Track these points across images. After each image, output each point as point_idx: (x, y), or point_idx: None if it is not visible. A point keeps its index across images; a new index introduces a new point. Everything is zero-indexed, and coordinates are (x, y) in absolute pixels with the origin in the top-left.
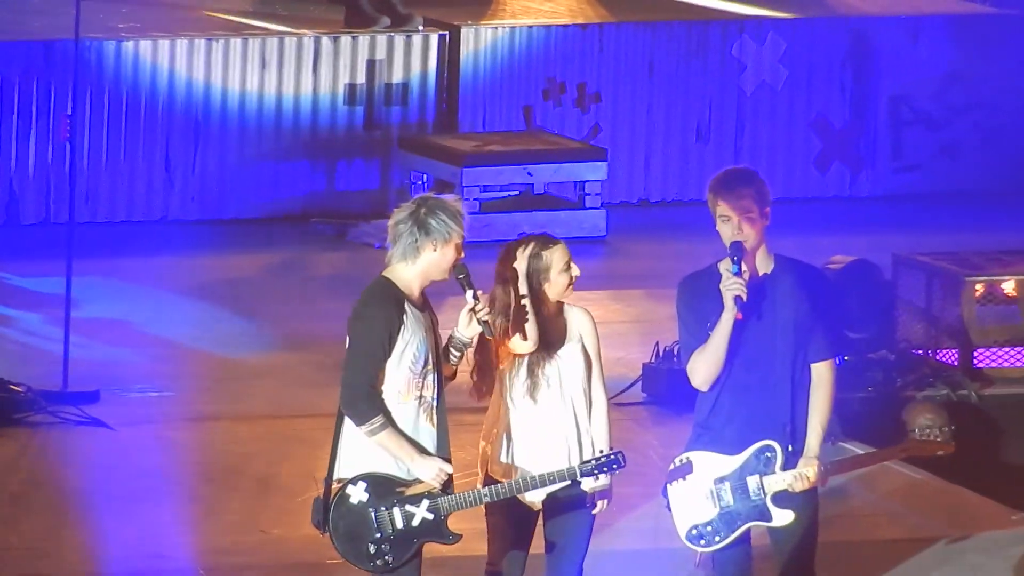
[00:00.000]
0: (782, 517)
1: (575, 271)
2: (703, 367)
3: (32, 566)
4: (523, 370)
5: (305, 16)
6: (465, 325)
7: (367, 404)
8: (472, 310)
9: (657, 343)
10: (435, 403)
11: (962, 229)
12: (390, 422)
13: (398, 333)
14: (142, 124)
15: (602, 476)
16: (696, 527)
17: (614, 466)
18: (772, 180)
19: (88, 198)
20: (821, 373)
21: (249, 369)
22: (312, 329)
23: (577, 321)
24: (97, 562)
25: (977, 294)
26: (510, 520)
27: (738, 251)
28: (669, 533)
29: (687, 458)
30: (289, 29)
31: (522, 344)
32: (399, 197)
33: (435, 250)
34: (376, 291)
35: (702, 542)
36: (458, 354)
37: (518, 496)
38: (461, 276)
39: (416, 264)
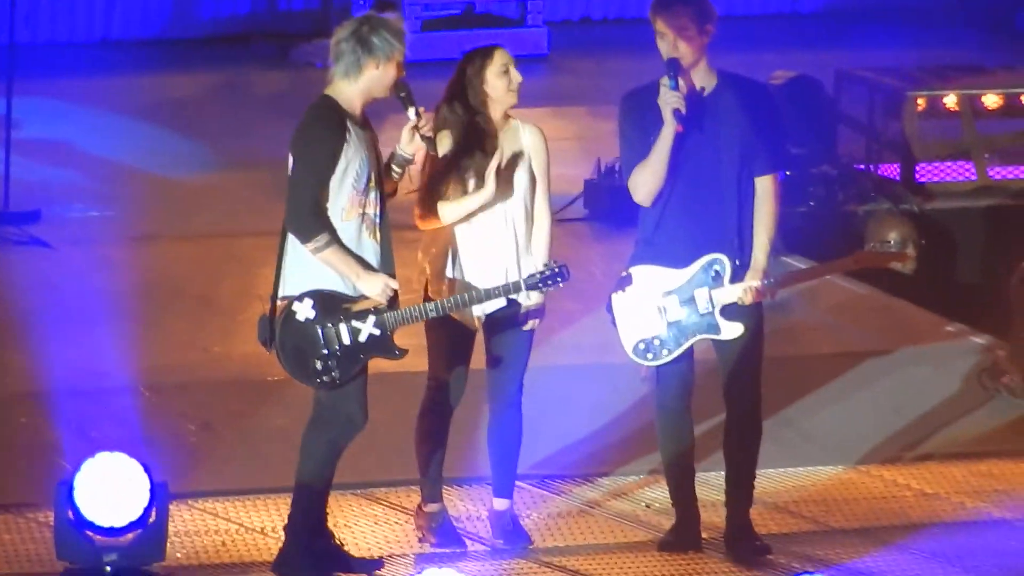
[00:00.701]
0: (731, 330)
1: (515, 75)
2: (645, 181)
3: None
4: (463, 187)
5: None
6: (407, 142)
7: (312, 221)
8: (415, 127)
9: (599, 159)
10: (378, 220)
11: (905, 45)
12: (335, 239)
13: (341, 151)
14: None
15: (535, 293)
16: (644, 341)
17: (558, 279)
18: None
19: (28, 19)
20: (766, 187)
21: (190, 189)
22: (253, 149)
23: (526, 138)
24: (38, 381)
25: (919, 108)
26: (450, 335)
27: (674, 67)
28: (611, 348)
29: (632, 272)
30: None
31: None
32: (341, 16)
33: (377, 68)
34: (319, 110)
35: (649, 355)
36: (400, 171)
37: (459, 312)
38: (403, 94)
39: (358, 82)
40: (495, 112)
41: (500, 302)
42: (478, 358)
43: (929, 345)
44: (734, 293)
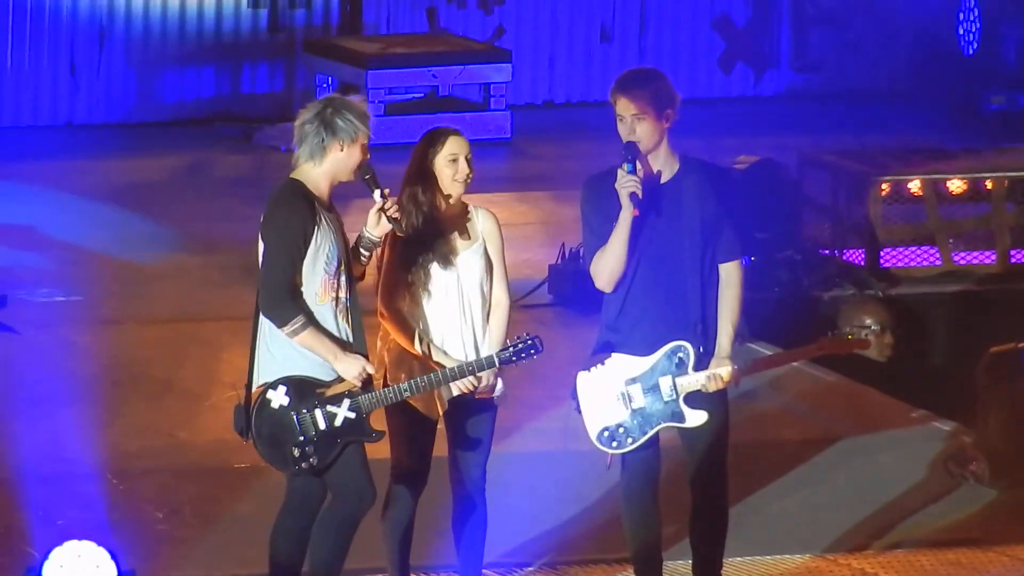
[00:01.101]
0: (695, 418)
1: (463, 167)
2: (605, 266)
3: None
4: (425, 272)
5: None
6: (374, 224)
7: (288, 305)
8: (381, 209)
9: (563, 244)
10: (349, 304)
11: (866, 128)
12: (312, 321)
13: (312, 234)
14: (46, 27)
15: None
16: (608, 429)
17: (532, 351)
18: (676, 81)
19: None
20: (729, 273)
21: (154, 272)
22: (217, 232)
23: (480, 222)
24: (3, 468)
25: (883, 193)
26: (412, 422)
27: (632, 151)
28: (577, 435)
29: (595, 359)
30: None
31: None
32: (304, 100)
33: (342, 150)
34: (287, 193)
35: (614, 444)
36: (367, 254)
37: (422, 398)
38: (367, 176)
39: (323, 164)
40: (448, 197)
41: (463, 385)
42: (440, 445)
43: (895, 432)
44: (698, 381)
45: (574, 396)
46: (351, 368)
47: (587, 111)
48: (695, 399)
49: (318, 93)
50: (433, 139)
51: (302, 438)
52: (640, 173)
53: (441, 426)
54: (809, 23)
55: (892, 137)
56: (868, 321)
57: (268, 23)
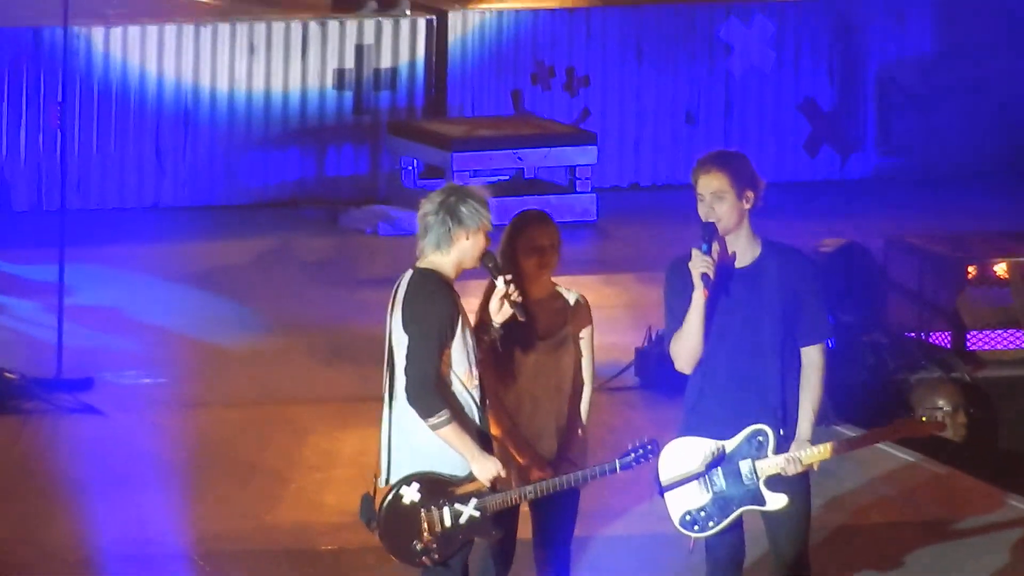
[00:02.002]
0: (776, 501)
1: (547, 256)
2: (682, 348)
3: (22, 554)
4: (517, 357)
5: (293, 1)
6: (497, 311)
7: (435, 396)
8: (505, 295)
9: (649, 327)
10: (481, 393)
11: (953, 211)
12: (455, 416)
13: (457, 322)
14: (132, 110)
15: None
16: (689, 512)
17: (650, 456)
18: (761, 163)
19: (79, 185)
20: (812, 357)
21: (239, 355)
22: (302, 315)
23: (571, 305)
24: (88, 549)
25: (969, 276)
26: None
27: (709, 231)
28: (663, 517)
29: (677, 443)
30: (277, 14)
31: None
32: (389, 183)
33: (467, 238)
34: (426, 283)
35: (696, 527)
36: (495, 339)
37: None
38: (491, 264)
39: (450, 253)
40: (537, 283)
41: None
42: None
43: (981, 515)
44: (777, 464)
45: (656, 480)
46: (488, 470)
47: (672, 194)
48: (775, 482)
49: (403, 176)
50: (517, 226)
51: (426, 535)
52: (715, 254)
53: (525, 508)
54: (895, 107)
55: (978, 221)
56: (941, 403)
57: (353, 105)
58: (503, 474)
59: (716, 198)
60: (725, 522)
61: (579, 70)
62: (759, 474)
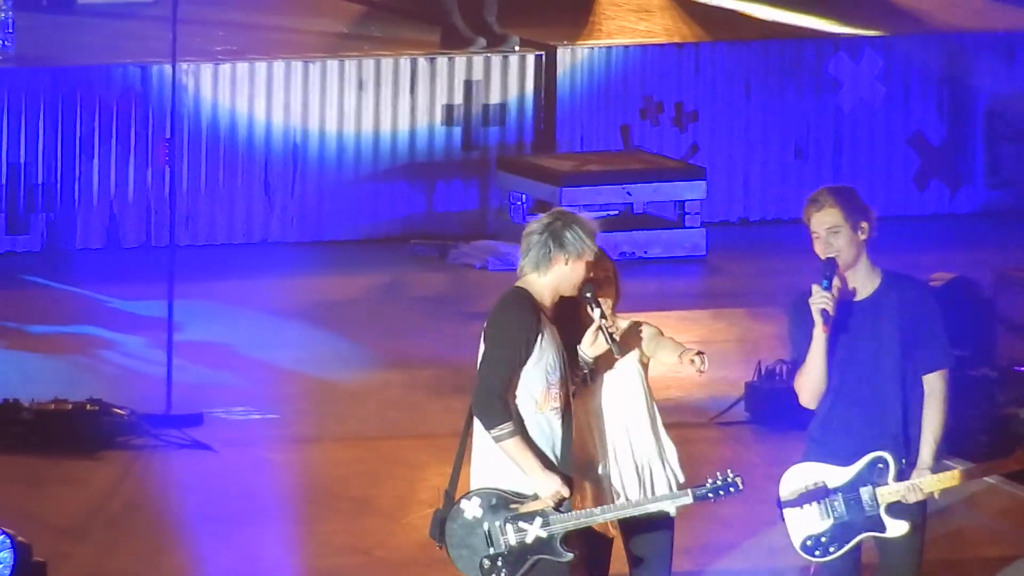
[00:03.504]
0: (896, 528)
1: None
2: (805, 384)
3: None
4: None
5: (401, 38)
6: (590, 344)
7: (499, 408)
8: (599, 327)
9: (759, 362)
10: (563, 419)
11: None
12: (520, 431)
13: (536, 339)
14: (240, 146)
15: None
16: (811, 538)
17: (731, 489)
18: (871, 197)
19: (188, 221)
20: (933, 385)
21: (350, 390)
22: (412, 350)
23: (627, 335)
24: None
25: None
26: (588, 540)
27: (830, 268)
28: (779, 551)
29: (800, 468)
30: (385, 51)
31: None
32: (498, 218)
33: (566, 263)
34: (513, 298)
35: (817, 552)
36: (585, 373)
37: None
38: (588, 295)
39: (547, 276)
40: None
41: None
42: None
43: None
44: (898, 491)
45: (779, 505)
46: (547, 486)
47: (782, 228)
48: (896, 509)
49: (511, 211)
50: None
51: (492, 551)
52: (835, 290)
53: (620, 543)
54: (1003, 140)
55: None
56: None
57: (462, 140)
58: (565, 493)
59: (832, 233)
60: (846, 548)
61: (687, 105)
62: (880, 501)
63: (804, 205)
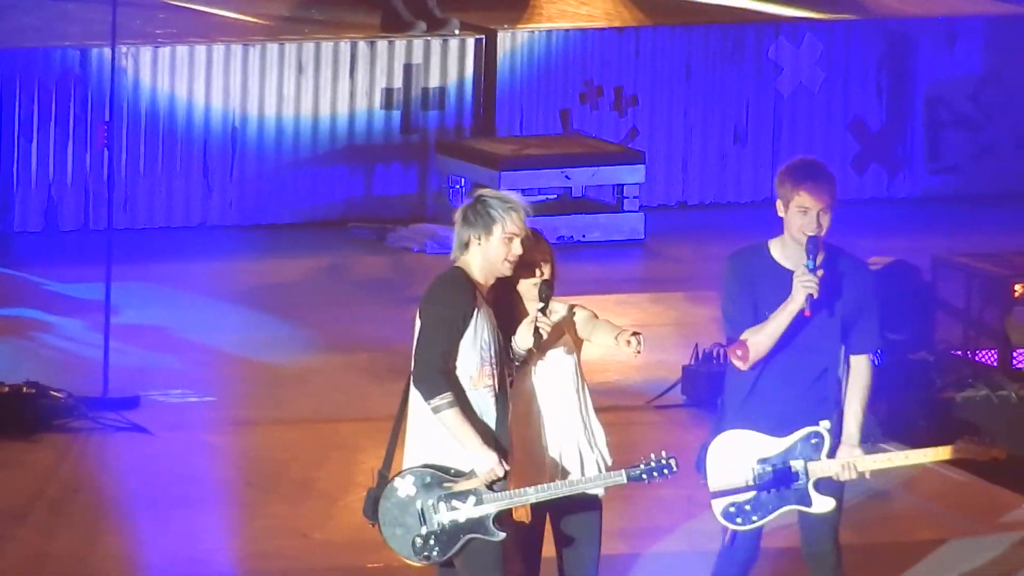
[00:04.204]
0: (822, 504)
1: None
2: (753, 349)
3: (71, 573)
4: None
5: (342, 21)
6: (522, 336)
7: (439, 380)
8: (534, 322)
9: (696, 345)
10: (499, 398)
11: (1000, 230)
12: (459, 403)
13: (471, 316)
14: (179, 130)
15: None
16: (735, 505)
17: (665, 471)
18: None
19: (126, 204)
20: (859, 365)
21: (289, 374)
22: (352, 333)
23: (564, 317)
24: (136, 569)
25: (1017, 295)
26: (518, 535)
27: (815, 246)
28: (708, 534)
29: (728, 435)
30: (326, 34)
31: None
32: (437, 201)
33: (479, 243)
34: (449, 275)
35: (739, 520)
36: (517, 363)
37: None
38: (544, 293)
39: (468, 257)
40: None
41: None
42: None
43: None
44: (831, 468)
45: (700, 469)
46: (484, 462)
47: (720, 212)
48: (823, 485)
49: (451, 195)
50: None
51: (425, 529)
52: (819, 272)
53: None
54: (943, 126)
55: None
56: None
57: (401, 124)
58: (500, 472)
59: (824, 212)
60: (768, 518)
61: (627, 89)
62: (810, 475)
63: (791, 175)
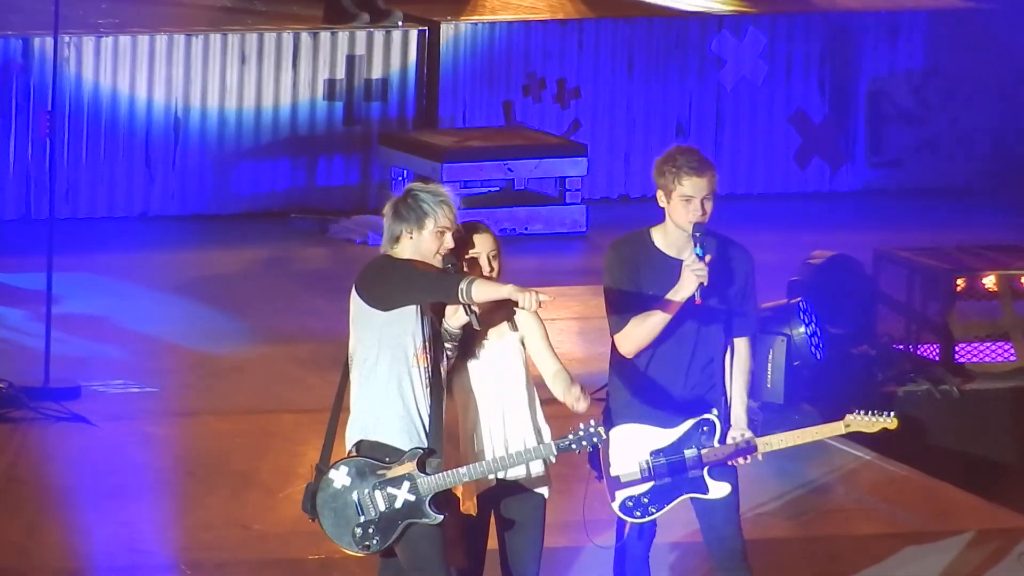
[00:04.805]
0: (719, 489)
1: (483, 263)
2: (638, 336)
3: (11, 563)
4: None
5: (284, 12)
6: (451, 314)
7: (447, 277)
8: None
9: None
10: (432, 380)
11: (942, 224)
12: (474, 278)
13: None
14: (122, 120)
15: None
16: (632, 498)
17: (594, 439)
18: (752, 175)
19: (68, 194)
20: (741, 348)
21: (230, 364)
22: (293, 325)
23: (518, 315)
24: (78, 559)
25: (958, 289)
26: (460, 519)
27: (703, 232)
28: (661, 526)
29: (618, 430)
30: (269, 25)
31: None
32: (379, 193)
33: (411, 237)
34: (383, 258)
35: (637, 513)
36: (450, 347)
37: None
38: (449, 265)
39: (398, 250)
40: None
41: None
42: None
43: (970, 526)
44: (724, 453)
45: (595, 467)
46: (526, 299)
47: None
48: (717, 471)
49: (393, 186)
50: (465, 233)
51: (363, 519)
52: (707, 259)
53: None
54: (886, 120)
55: (967, 234)
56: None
57: (344, 115)
58: (542, 296)
59: (707, 199)
60: (665, 508)
61: (570, 82)
62: (704, 462)
63: (673, 164)
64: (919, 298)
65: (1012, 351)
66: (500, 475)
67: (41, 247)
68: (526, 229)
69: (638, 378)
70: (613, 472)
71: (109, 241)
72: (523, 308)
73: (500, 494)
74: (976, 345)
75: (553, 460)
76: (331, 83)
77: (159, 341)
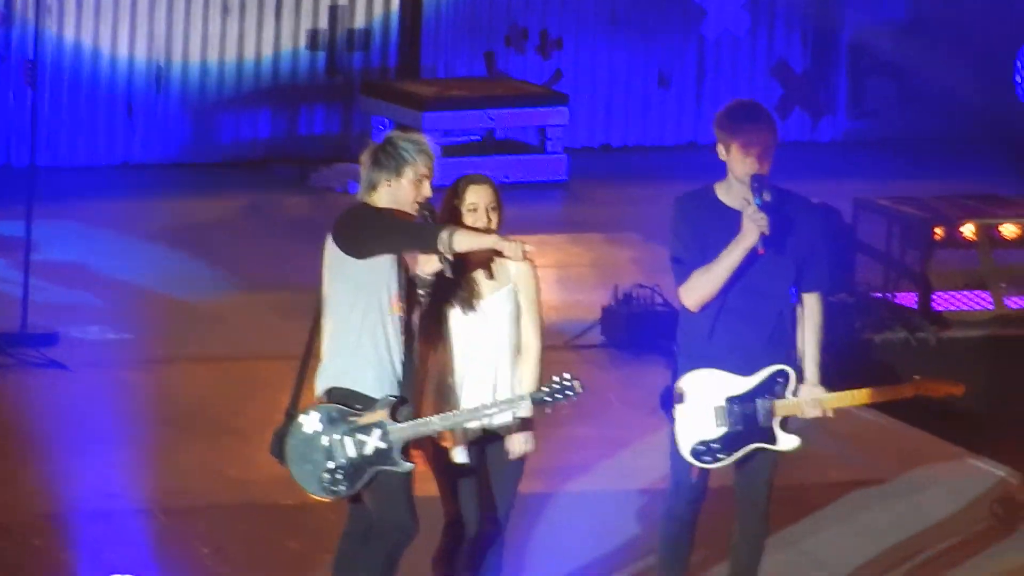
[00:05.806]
0: (787, 442)
1: (481, 216)
2: (702, 288)
3: None
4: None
5: None
6: (425, 262)
7: (427, 227)
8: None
9: (616, 286)
10: (406, 327)
11: (921, 175)
12: (455, 227)
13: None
14: (103, 70)
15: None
16: (703, 443)
17: (568, 392)
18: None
19: (49, 142)
20: (813, 304)
21: (209, 312)
22: (273, 273)
23: (512, 267)
24: (54, 503)
25: (937, 238)
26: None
27: (762, 183)
28: (626, 473)
29: (694, 375)
30: None
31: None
32: (360, 142)
33: (389, 185)
34: (360, 206)
35: (706, 458)
36: (423, 293)
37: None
38: (426, 214)
39: (375, 198)
40: None
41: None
42: None
43: (944, 475)
44: (797, 406)
45: (666, 407)
46: (510, 249)
47: (643, 155)
48: (788, 424)
49: (374, 135)
50: (457, 188)
51: (331, 464)
52: (766, 196)
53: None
54: (867, 71)
55: (946, 184)
56: None
57: (326, 65)
58: (525, 246)
59: (767, 152)
60: (734, 456)
61: (553, 32)
62: (776, 413)
63: (733, 119)
64: (898, 246)
65: (990, 300)
66: (486, 423)
67: (21, 195)
68: (507, 178)
69: (705, 328)
70: (684, 416)
71: (89, 189)
72: (508, 257)
73: (486, 442)
74: (954, 293)
75: (528, 413)
76: (314, 33)
77: (137, 288)
